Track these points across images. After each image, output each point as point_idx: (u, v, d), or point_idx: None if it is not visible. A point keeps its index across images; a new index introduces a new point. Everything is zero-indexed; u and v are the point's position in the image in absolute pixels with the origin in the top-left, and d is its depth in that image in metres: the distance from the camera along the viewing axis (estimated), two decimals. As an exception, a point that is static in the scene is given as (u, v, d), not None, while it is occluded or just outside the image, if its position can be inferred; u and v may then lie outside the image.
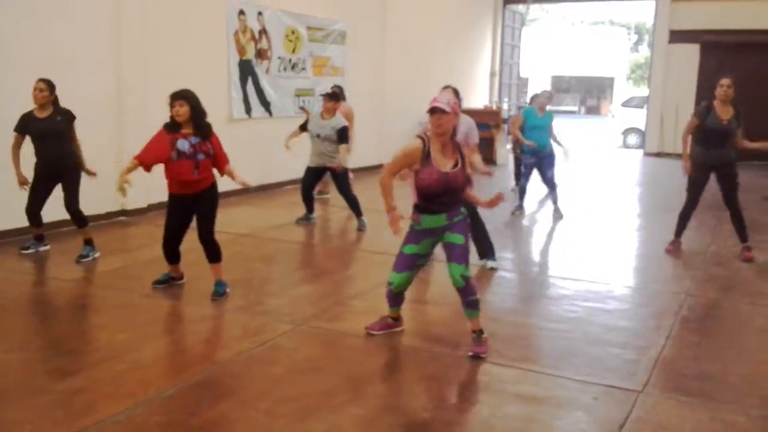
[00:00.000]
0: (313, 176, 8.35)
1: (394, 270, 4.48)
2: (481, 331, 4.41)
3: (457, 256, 4.30)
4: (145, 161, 5.26)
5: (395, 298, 4.62)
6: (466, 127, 6.04)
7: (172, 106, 5.17)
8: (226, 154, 5.52)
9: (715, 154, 6.71)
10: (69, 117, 6.34)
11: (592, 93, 47.79)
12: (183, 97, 5.18)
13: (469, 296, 4.35)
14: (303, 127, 8.27)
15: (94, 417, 3.50)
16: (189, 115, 5.19)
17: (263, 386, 3.92)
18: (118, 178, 5.33)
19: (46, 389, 3.83)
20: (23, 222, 6.57)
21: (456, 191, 4.32)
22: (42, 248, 6.66)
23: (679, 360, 4.44)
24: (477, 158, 5.81)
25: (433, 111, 4.14)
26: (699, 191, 6.97)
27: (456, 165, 4.28)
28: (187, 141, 5.22)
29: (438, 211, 4.32)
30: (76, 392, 3.79)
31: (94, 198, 7.98)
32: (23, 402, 3.67)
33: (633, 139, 20.48)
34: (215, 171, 5.50)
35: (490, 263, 6.41)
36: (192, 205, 5.39)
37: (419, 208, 4.35)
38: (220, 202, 5.61)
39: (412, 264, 4.45)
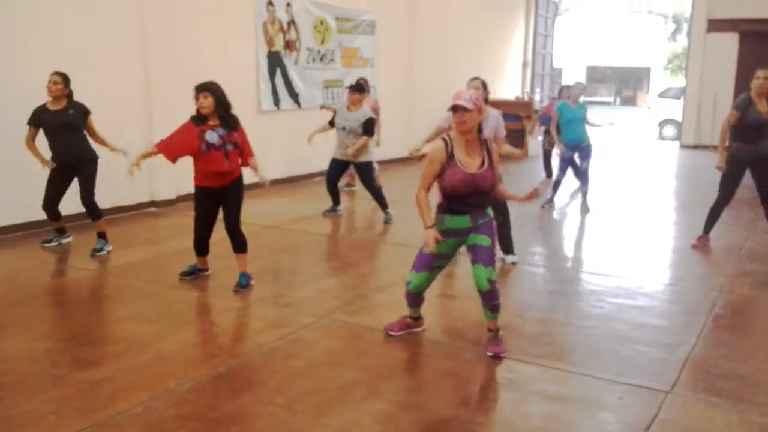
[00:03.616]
0: (337, 168, 8.31)
1: (412, 269, 4.35)
2: (498, 330, 4.33)
3: (484, 258, 4.13)
4: (170, 153, 5.29)
5: (414, 298, 4.48)
6: (494, 120, 5.92)
7: (196, 98, 5.19)
8: (251, 147, 5.55)
9: (755, 149, 6.47)
10: (83, 110, 6.39)
11: (627, 83, 46.98)
12: (207, 89, 5.20)
13: (492, 300, 4.20)
14: (332, 123, 8.25)
15: (113, 409, 3.51)
16: (213, 107, 5.22)
17: (283, 380, 3.90)
18: (132, 161, 5.39)
19: (69, 379, 3.86)
20: (44, 214, 6.62)
21: (485, 193, 4.14)
22: (64, 240, 6.73)
23: (710, 359, 4.30)
24: (506, 148, 5.91)
25: (456, 109, 4.01)
26: (734, 186, 6.73)
27: (483, 164, 4.10)
28: (216, 132, 5.24)
29: (463, 212, 4.15)
30: (97, 383, 3.81)
31: (123, 189, 8.09)
32: (46, 391, 3.70)
33: (669, 130, 20.04)
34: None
35: (510, 258, 6.32)
36: (219, 197, 5.40)
37: (442, 209, 4.21)
38: (247, 193, 5.63)
39: (431, 264, 4.28)
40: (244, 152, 5.46)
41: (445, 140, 4.15)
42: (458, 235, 4.21)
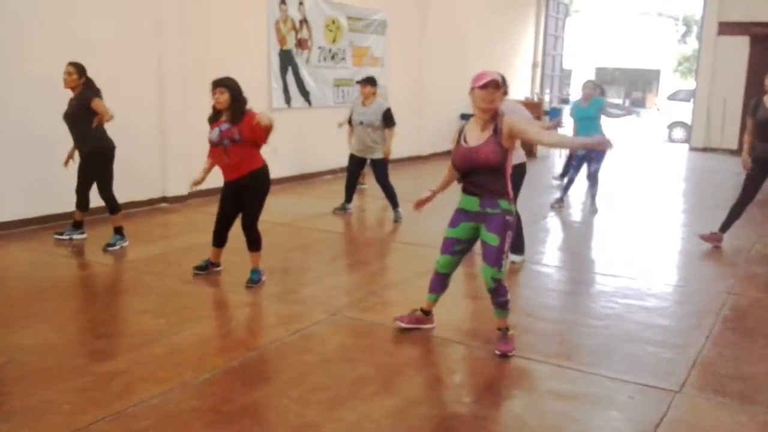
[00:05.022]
0: (356, 165, 8.30)
1: (440, 252, 4.44)
2: (507, 329, 4.34)
3: (490, 257, 4.16)
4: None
5: (437, 279, 4.52)
6: (508, 110, 5.86)
7: (213, 93, 5.23)
8: (261, 123, 5.16)
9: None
10: (85, 99, 6.13)
11: (637, 85, 46.84)
12: (224, 84, 5.22)
13: (499, 297, 4.25)
14: (350, 122, 8.27)
15: (130, 399, 3.56)
16: (229, 102, 5.22)
17: (296, 374, 3.95)
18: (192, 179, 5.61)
19: (85, 370, 3.91)
20: (63, 208, 6.65)
21: (482, 169, 4.10)
22: (76, 236, 6.66)
23: (718, 360, 4.33)
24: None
25: (487, 85, 4.02)
26: (755, 187, 6.86)
27: (484, 139, 4.09)
28: (218, 129, 5.30)
29: (472, 192, 4.20)
30: (114, 374, 3.87)
31: (135, 185, 8.16)
32: (63, 382, 3.76)
33: (678, 133, 20.02)
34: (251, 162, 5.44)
35: (513, 257, 6.28)
36: (238, 191, 5.42)
37: (461, 187, 4.31)
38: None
39: (451, 248, 4.35)
40: (254, 135, 5.25)
41: (461, 127, 4.30)
42: (470, 218, 4.25)
